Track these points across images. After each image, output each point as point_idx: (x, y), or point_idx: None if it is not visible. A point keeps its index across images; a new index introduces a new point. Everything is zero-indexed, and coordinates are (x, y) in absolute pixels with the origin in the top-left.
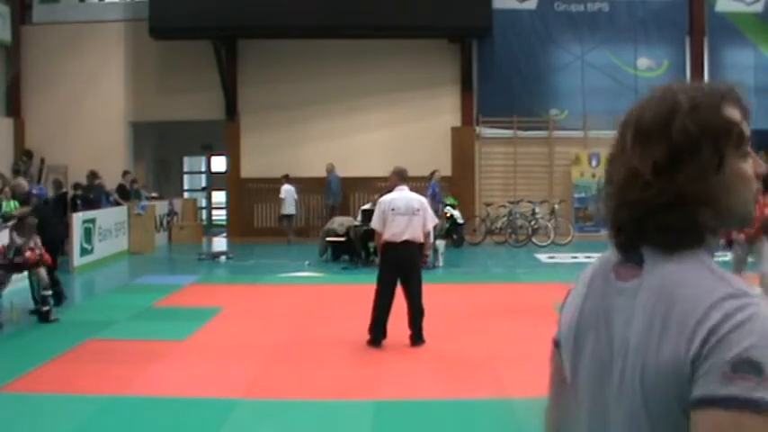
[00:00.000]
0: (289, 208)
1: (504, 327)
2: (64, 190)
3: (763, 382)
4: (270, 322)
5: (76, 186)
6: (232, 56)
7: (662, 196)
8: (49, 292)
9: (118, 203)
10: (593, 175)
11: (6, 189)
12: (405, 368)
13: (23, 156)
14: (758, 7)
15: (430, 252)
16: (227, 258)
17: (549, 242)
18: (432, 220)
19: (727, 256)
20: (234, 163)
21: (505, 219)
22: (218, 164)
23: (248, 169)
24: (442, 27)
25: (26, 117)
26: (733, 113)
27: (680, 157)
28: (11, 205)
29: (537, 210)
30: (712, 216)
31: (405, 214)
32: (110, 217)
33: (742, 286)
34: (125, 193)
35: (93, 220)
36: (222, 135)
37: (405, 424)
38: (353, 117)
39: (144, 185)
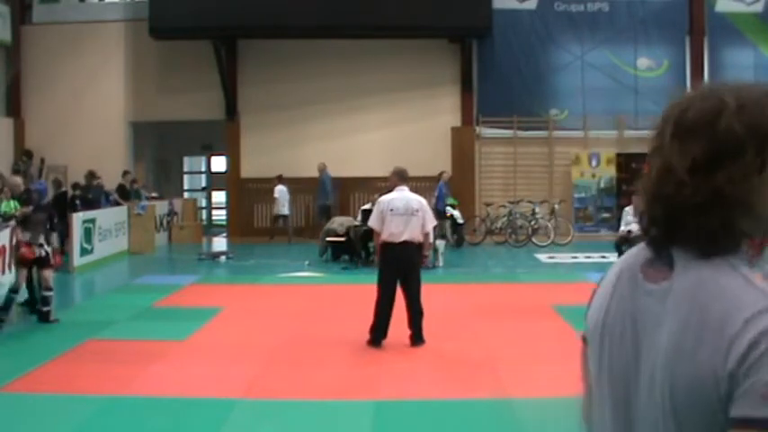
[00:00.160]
0: (282, 208)
1: (504, 327)
2: (63, 189)
3: None
4: (270, 322)
5: (75, 186)
6: (232, 56)
7: (696, 195)
8: (51, 293)
9: (118, 203)
10: (593, 175)
11: (6, 189)
12: (405, 368)
13: (23, 156)
14: (758, 7)
15: (429, 252)
16: (227, 258)
17: (549, 242)
18: (431, 221)
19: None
20: (234, 163)
21: (505, 219)
22: (218, 164)
23: (248, 169)
24: (442, 27)
25: (26, 117)
26: None
27: (721, 157)
28: (10, 205)
29: (537, 210)
30: (749, 221)
31: (403, 215)
32: (110, 217)
33: None
34: (125, 193)
35: (93, 221)
36: (222, 135)
37: (405, 424)
38: (353, 117)
39: (144, 185)
